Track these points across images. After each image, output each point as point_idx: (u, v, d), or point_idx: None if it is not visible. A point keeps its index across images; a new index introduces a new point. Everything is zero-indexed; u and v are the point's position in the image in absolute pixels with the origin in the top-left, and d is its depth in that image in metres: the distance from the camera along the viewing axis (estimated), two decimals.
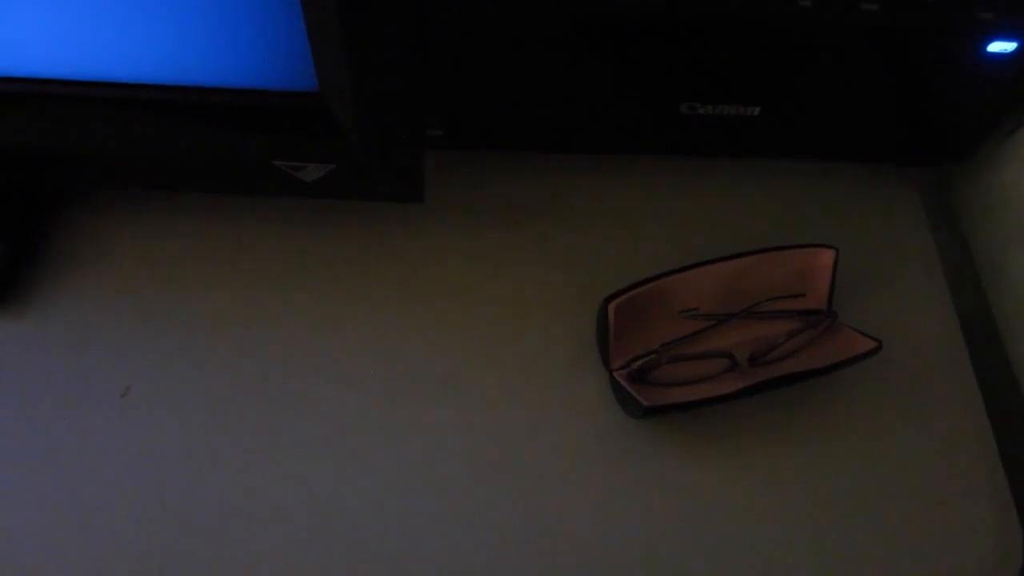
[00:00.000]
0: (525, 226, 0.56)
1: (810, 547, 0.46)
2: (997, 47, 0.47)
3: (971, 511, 0.48)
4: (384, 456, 0.47)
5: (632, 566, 0.45)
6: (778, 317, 0.53)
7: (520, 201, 0.57)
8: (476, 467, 0.47)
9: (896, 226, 0.59)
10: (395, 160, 0.46)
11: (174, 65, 0.41)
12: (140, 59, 0.41)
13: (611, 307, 0.48)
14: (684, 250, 0.51)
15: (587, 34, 0.47)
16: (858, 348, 0.49)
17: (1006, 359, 0.56)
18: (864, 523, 0.47)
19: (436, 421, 0.48)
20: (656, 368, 0.49)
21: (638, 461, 0.48)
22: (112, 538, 0.44)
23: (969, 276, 0.60)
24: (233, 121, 0.43)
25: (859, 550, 0.46)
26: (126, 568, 0.44)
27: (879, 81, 0.51)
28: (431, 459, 0.47)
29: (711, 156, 0.57)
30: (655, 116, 0.53)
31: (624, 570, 0.45)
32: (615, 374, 0.50)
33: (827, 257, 0.52)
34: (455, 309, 0.52)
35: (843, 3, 0.44)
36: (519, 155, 0.57)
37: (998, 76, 0.50)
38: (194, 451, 0.47)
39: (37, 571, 0.43)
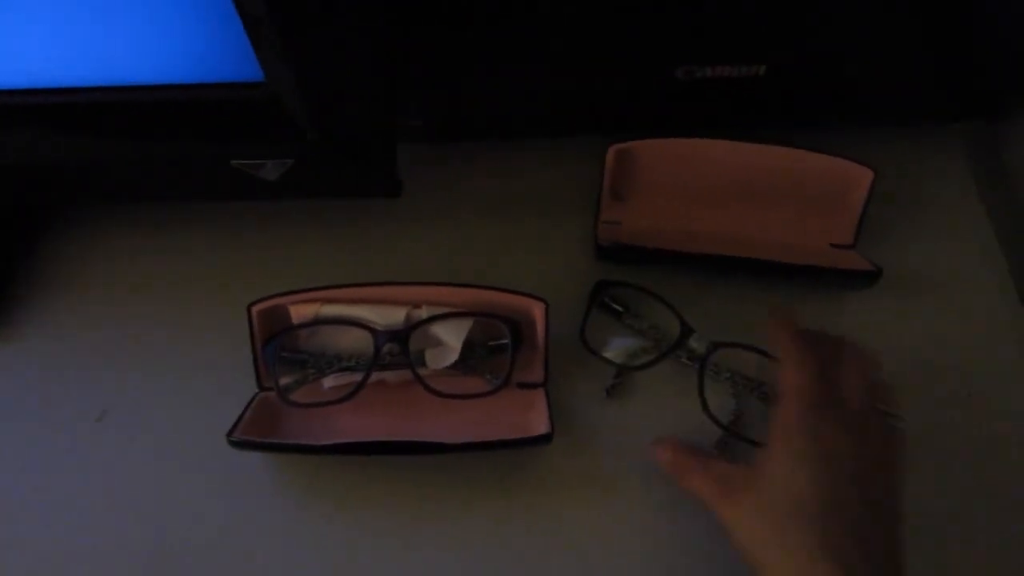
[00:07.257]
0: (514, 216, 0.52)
1: None
2: None
3: None
4: None
5: None
6: None
7: (506, 191, 0.53)
8: None
9: (938, 187, 0.53)
10: (359, 154, 0.43)
11: (112, 65, 0.39)
12: (79, 61, 0.39)
13: None
14: None
15: None
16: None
17: None
18: None
19: None
20: None
21: None
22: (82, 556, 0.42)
23: None
24: (183, 118, 0.41)
25: None
26: None
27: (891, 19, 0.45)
28: None
29: (713, 128, 0.51)
30: (647, 85, 0.48)
31: None
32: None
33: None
34: None
35: None
36: (504, 144, 0.53)
37: None
38: (169, 475, 0.45)
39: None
